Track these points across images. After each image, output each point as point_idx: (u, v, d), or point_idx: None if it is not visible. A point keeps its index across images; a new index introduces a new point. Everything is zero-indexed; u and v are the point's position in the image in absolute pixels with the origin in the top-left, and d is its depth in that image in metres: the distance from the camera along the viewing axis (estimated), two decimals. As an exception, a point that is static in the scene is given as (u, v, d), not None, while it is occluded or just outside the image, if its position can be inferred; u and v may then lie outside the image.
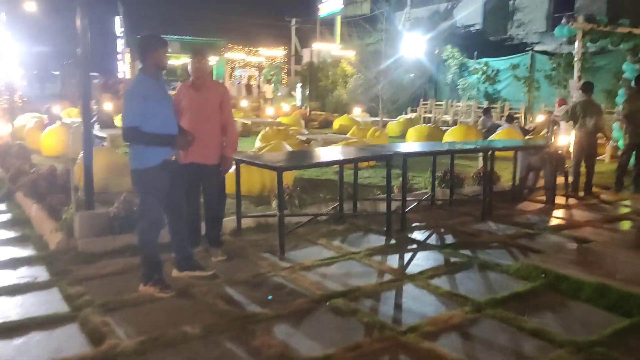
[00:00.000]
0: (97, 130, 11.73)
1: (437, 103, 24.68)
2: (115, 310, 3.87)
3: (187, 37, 34.81)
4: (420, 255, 5.31)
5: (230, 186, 5.57)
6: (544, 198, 7.80)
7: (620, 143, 10.34)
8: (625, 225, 6.74)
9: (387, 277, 4.66)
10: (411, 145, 9.23)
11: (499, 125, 14.79)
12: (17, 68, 18.87)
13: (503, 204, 7.45)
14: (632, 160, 8.63)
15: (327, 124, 20.73)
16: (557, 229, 6.34)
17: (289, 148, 8.95)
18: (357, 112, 22.55)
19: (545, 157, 7.73)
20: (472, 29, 29.16)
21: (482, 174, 7.65)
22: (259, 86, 31.47)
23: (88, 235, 5.11)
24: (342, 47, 30.05)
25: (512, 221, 6.63)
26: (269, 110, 22.84)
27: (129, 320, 3.73)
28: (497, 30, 28.79)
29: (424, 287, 4.42)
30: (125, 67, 34.98)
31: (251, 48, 35.79)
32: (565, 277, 4.42)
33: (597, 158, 9.05)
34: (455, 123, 20.69)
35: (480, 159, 8.40)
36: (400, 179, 6.49)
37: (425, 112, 24.41)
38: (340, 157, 6.35)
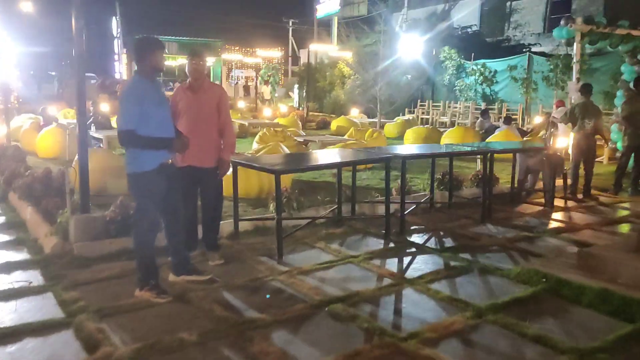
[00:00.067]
0: (93, 132, 11.65)
1: (435, 104, 24.68)
2: (111, 316, 3.80)
3: (184, 38, 34.80)
4: (420, 258, 5.26)
5: (227, 188, 5.53)
6: (542, 200, 7.77)
7: (619, 145, 10.33)
8: (625, 228, 6.70)
9: (387, 281, 4.61)
10: (410, 147, 9.19)
11: (496, 127, 14.80)
12: (13, 69, 18.77)
13: (502, 207, 7.41)
14: (631, 162, 8.61)
15: (324, 125, 20.69)
16: (557, 232, 6.30)
17: (286, 150, 8.90)
18: (355, 113, 22.53)
19: (544, 159, 7.71)
20: (469, 30, 29.20)
21: (480, 176, 7.61)
22: (256, 87, 31.41)
23: (83, 239, 5.05)
24: (339, 48, 30.03)
25: (511, 224, 6.59)
26: (266, 111, 22.79)
27: (125, 326, 3.67)
28: (494, 31, 28.86)
29: (423, 291, 4.37)
30: (122, 67, 34.92)
31: (248, 49, 35.76)
32: (566, 282, 4.37)
33: (595, 160, 9.02)
34: (452, 124, 20.69)
35: (479, 160, 8.37)
36: (399, 180, 6.44)
37: (422, 113, 24.41)
38: (338, 159, 6.30)
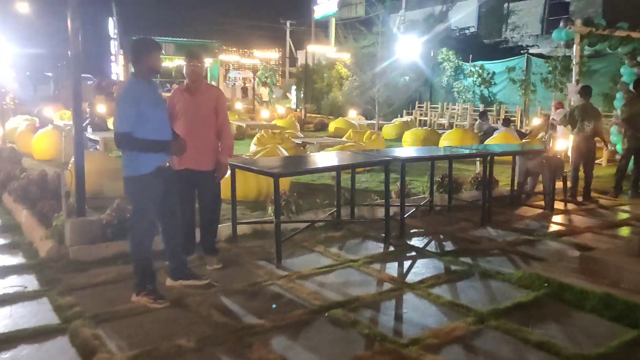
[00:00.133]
0: (89, 133, 11.58)
1: (433, 106, 24.66)
2: (107, 322, 3.74)
3: (181, 39, 34.71)
4: (420, 263, 5.20)
5: (225, 191, 5.47)
6: (542, 203, 7.73)
7: (619, 147, 10.30)
8: (626, 231, 6.66)
9: (387, 286, 4.55)
10: (409, 149, 9.14)
11: (495, 129, 14.78)
12: (9, 70, 18.65)
13: (502, 210, 7.36)
14: (631, 164, 8.58)
15: (322, 127, 20.63)
16: (558, 235, 6.25)
17: (284, 152, 8.84)
18: (353, 115, 22.49)
19: (544, 161, 7.67)
20: (467, 31, 29.23)
21: (480, 179, 7.57)
22: (254, 88, 31.35)
23: (79, 242, 4.98)
24: (337, 49, 30.00)
25: (511, 227, 6.54)
26: (264, 113, 22.74)
27: (121, 332, 3.60)
28: (492, 33, 28.89)
29: (424, 296, 4.32)
30: (118, 68, 34.84)
31: (245, 50, 35.68)
32: (569, 287, 4.32)
33: (595, 162, 8.99)
34: (451, 126, 20.68)
35: (478, 163, 8.33)
36: (398, 183, 6.39)
37: (421, 115, 24.39)
38: (337, 162, 6.24)
